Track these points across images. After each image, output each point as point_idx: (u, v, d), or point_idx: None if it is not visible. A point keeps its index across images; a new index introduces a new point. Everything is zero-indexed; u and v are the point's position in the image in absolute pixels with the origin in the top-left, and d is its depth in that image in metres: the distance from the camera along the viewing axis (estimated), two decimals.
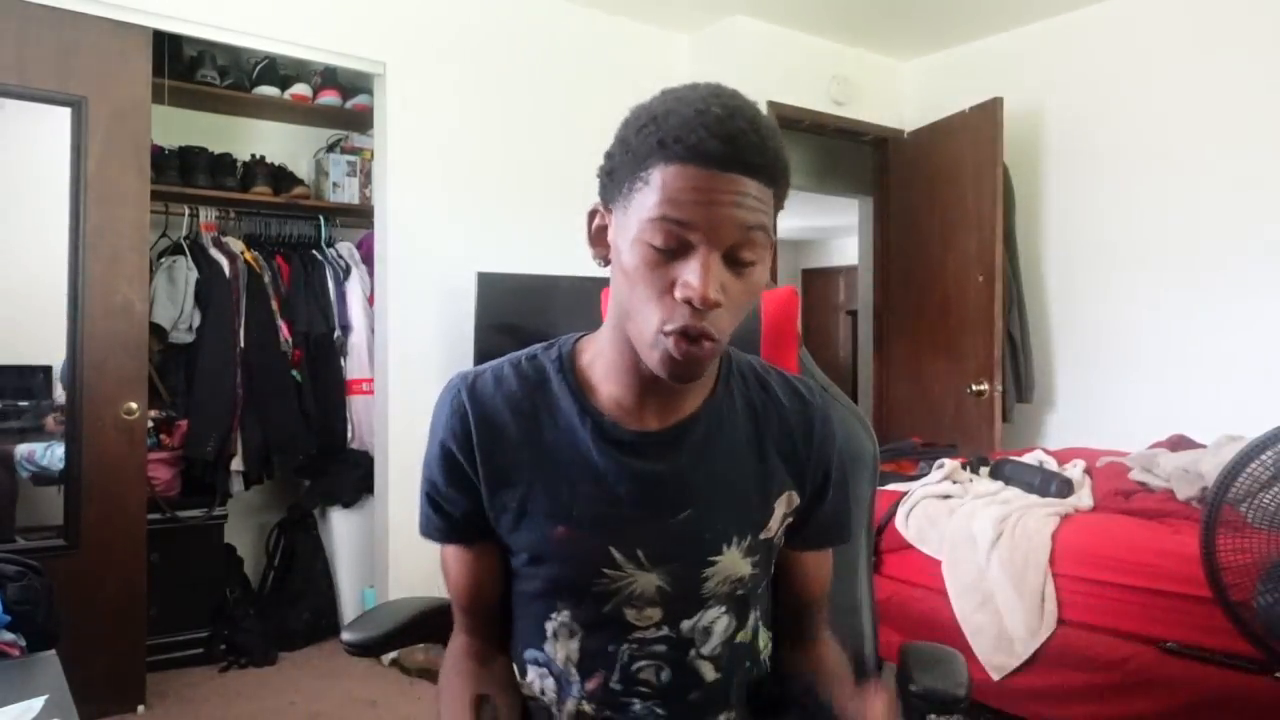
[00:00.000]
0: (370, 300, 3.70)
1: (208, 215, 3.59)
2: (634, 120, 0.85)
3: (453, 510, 1.00)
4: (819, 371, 1.48)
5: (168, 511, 3.33)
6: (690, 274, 0.80)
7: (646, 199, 0.81)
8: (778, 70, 4.09)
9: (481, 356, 3.87)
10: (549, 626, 0.98)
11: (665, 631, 0.95)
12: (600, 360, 0.96)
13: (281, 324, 3.58)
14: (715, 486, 0.95)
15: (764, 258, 0.85)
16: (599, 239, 0.91)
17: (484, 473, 0.96)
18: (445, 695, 0.98)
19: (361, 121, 3.88)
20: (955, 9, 3.95)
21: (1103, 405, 3.83)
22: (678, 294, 0.81)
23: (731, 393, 1.00)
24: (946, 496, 2.82)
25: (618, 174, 0.85)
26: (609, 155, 0.87)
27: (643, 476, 0.94)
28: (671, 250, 0.81)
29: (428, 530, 1.04)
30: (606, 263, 0.90)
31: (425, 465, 1.02)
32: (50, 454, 3.04)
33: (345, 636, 1.26)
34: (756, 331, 1.41)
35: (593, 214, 0.91)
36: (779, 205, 0.86)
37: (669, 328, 0.82)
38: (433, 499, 1.01)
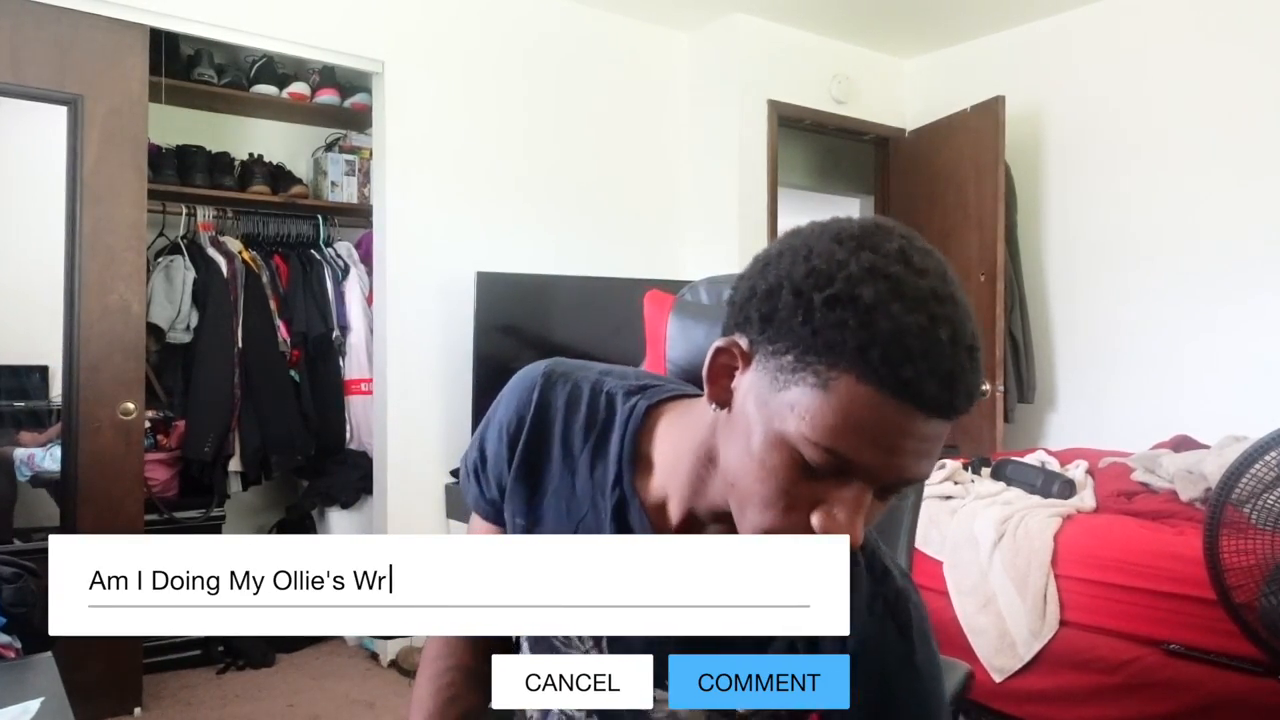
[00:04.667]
0: (369, 300, 3.69)
1: (205, 214, 3.57)
2: (819, 276, 0.67)
3: (485, 488, 0.97)
4: None
5: (165, 512, 3.31)
6: (839, 510, 0.69)
7: (816, 405, 0.66)
8: (778, 69, 4.08)
9: (481, 356, 3.89)
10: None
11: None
12: (670, 439, 0.86)
13: (280, 324, 3.57)
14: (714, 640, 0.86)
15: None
16: (720, 378, 0.75)
17: (514, 470, 0.93)
18: (414, 695, 1.01)
19: (360, 120, 3.87)
20: (957, 7, 3.94)
21: (1105, 405, 3.82)
22: (815, 523, 0.70)
23: None
24: (948, 497, 2.81)
25: (780, 332, 0.68)
26: (769, 293, 0.69)
27: None
28: (823, 472, 0.69)
29: (465, 489, 1.01)
30: (722, 407, 0.75)
31: (480, 431, 0.98)
32: (50, 456, 3.03)
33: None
34: None
35: (721, 350, 0.74)
36: None
37: (778, 531, 0.72)
38: (478, 471, 0.98)
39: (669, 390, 0.91)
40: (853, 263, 0.66)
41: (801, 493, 0.70)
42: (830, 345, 0.65)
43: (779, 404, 0.68)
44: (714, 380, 0.75)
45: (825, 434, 0.66)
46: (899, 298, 0.65)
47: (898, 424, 0.65)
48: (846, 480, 0.69)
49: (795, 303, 0.67)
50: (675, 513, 0.85)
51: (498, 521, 0.98)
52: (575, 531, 0.90)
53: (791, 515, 0.71)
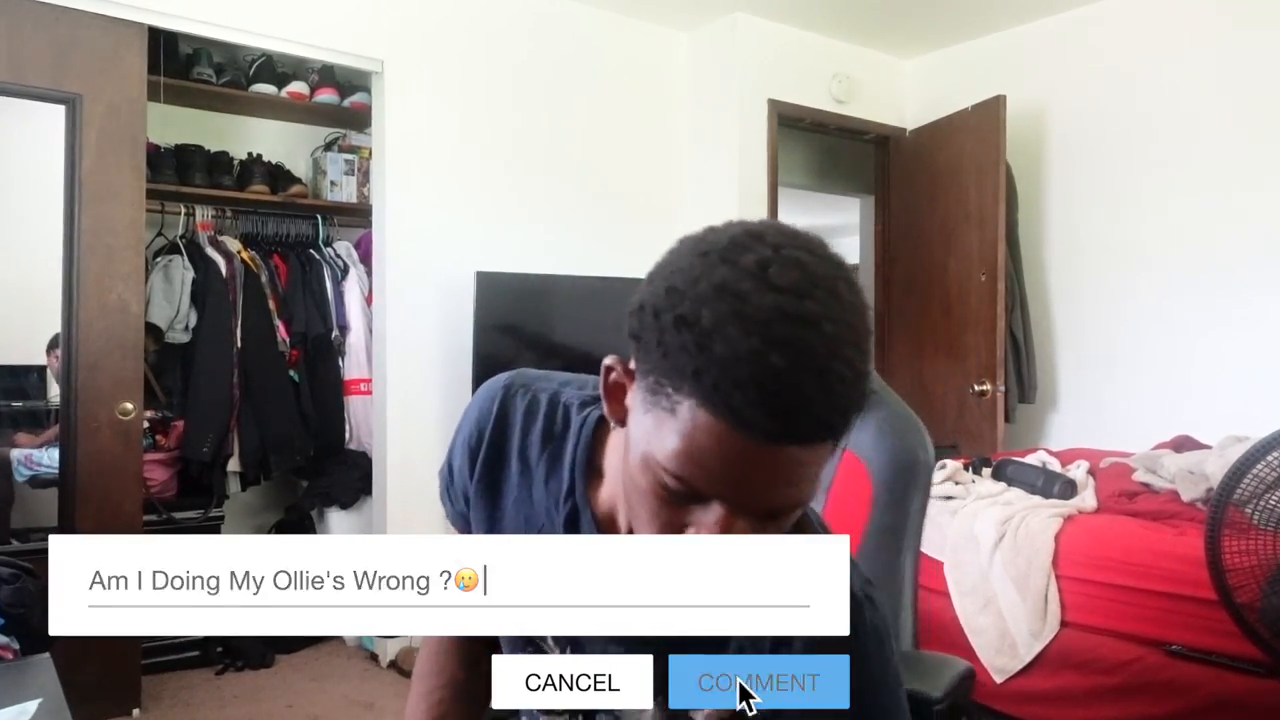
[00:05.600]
0: (368, 300, 3.69)
1: (204, 214, 3.56)
2: (674, 294, 0.64)
3: (455, 502, 0.99)
4: (872, 373, 1.44)
5: (164, 513, 3.30)
6: (704, 535, 0.68)
7: (667, 429, 0.65)
8: (778, 68, 4.07)
9: (480, 356, 3.87)
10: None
11: None
12: (615, 463, 0.84)
13: (279, 324, 3.56)
14: (667, 643, 0.83)
15: (811, 498, 0.70)
16: (613, 395, 0.75)
17: (475, 483, 0.94)
18: (406, 713, 1.02)
19: (359, 120, 3.86)
20: (958, 6, 3.94)
21: (1106, 405, 3.82)
22: None
23: None
24: (949, 498, 2.80)
25: (643, 353, 0.67)
26: (638, 310, 0.67)
27: None
28: (686, 499, 0.68)
29: (444, 500, 1.02)
30: (621, 425, 0.75)
31: (450, 446, 0.99)
32: (49, 456, 3.03)
33: None
34: None
35: (608, 370, 0.75)
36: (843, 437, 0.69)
37: None
38: (446, 482, 0.99)
39: None
40: (704, 280, 0.63)
41: (671, 515, 0.69)
42: (676, 369, 0.63)
43: (644, 426, 0.67)
44: (609, 397, 0.75)
45: (672, 460, 0.65)
46: (737, 319, 0.61)
47: (739, 452, 0.63)
48: (708, 505, 0.67)
49: (654, 323, 0.65)
50: (623, 524, 0.82)
51: (465, 526, 0.99)
52: None
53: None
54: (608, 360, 0.74)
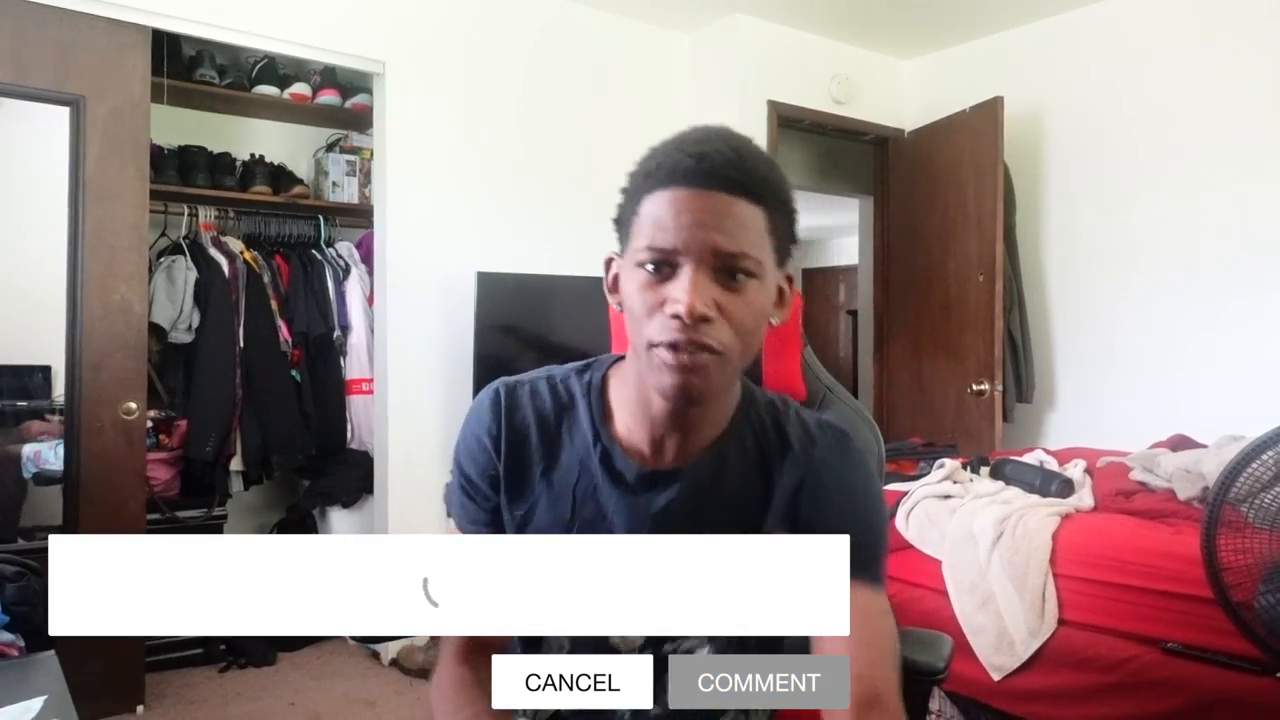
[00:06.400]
0: (370, 300, 3.70)
1: (207, 215, 3.58)
2: (634, 168, 0.92)
3: (485, 504, 1.03)
4: (824, 372, 1.47)
5: (167, 512, 3.32)
6: (676, 290, 0.85)
7: (638, 230, 0.89)
8: (778, 69, 4.08)
9: (481, 356, 3.88)
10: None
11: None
12: (621, 388, 1.00)
13: (281, 324, 3.57)
14: (712, 530, 0.92)
15: (762, 274, 0.89)
16: (615, 286, 0.96)
17: (505, 476, 1.01)
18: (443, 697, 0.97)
19: (361, 121, 3.87)
20: (956, 8, 3.94)
21: (1104, 405, 3.82)
22: (666, 310, 0.86)
23: (743, 435, 1.00)
24: (947, 496, 2.81)
25: (622, 217, 0.93)
26: (619, 205, 0.94)
27: (638, 512, 0.97)
28: (661, 273, 0.87)
29: (461, 521, 1.07)
30: (622, 307, 0.94)
31: (457, 458, 1.05)
32: (57, 454, 3.03)
33: None
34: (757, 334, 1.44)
35: (609, 262, 0.97)
36: (780, 227, 0.91)
37: (658, 338, 0.86)
38: (466, 490, 1.04)
39: (611, 358, 1.05)
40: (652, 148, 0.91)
41: (655, 297, 0.87)
42: (635, 190, 0.90)
43: (627, 255, 0.91)
44: (612, 290, 0.97)
45: (643, 239, 0.88)
46: (670, 138, 0.90)
47: (679, 203, 0.86)
48: (678, 274, 0.86)
49: (624, 194, 0.93)
50: (644, 443, 0.97)
51: (496, 531, 1.02)
52: (572, 498, 0.99)
53: (655, 318, 0.87)
54: (607, 255, 0.97)
